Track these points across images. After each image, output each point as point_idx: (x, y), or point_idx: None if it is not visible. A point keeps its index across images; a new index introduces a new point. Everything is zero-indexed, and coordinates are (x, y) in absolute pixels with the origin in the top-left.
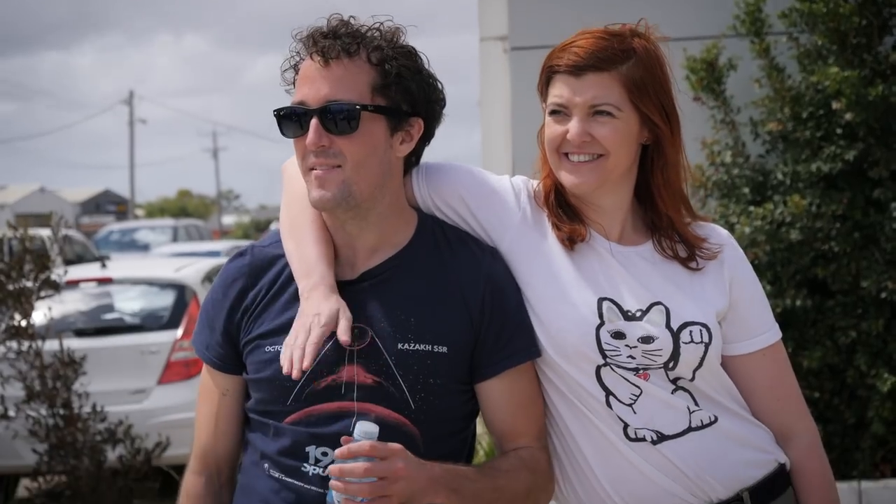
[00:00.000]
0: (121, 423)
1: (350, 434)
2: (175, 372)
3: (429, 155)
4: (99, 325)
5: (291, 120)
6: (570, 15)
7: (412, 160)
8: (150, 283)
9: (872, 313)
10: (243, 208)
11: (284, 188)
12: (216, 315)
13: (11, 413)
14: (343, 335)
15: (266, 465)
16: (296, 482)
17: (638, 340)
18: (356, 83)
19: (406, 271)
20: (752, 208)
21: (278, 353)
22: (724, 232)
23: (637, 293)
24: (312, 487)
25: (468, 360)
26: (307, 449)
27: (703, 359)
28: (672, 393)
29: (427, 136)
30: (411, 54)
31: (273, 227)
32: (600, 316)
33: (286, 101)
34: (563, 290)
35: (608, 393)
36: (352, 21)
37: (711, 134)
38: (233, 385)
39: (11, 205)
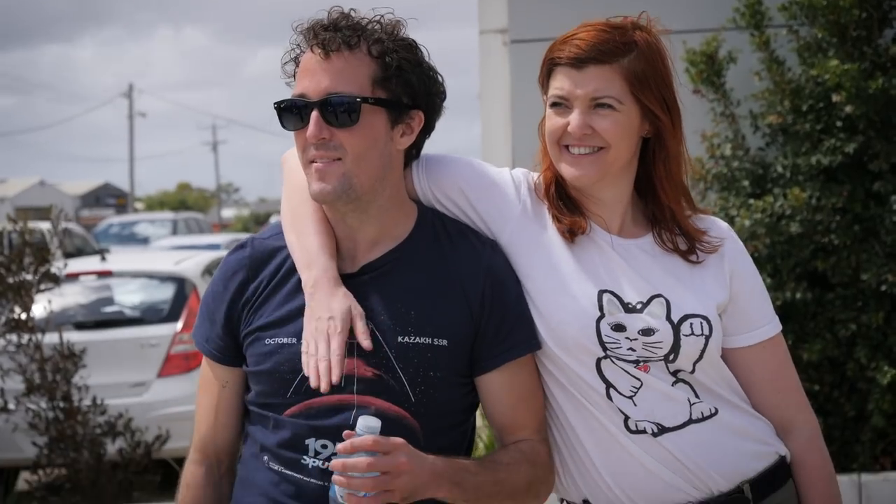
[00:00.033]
0: (121, 416)
1: (350, 427)
2: (175, 365)
3: (429, 148)
4: (99, 318)
5: (292, 112)
6: (569, 8)
7: (412, 153)
8: (149, 276)
9: (872, 306)
10: (243, 201)
11: (285, 180)
12: (216, 307)
13: (11, 406)
14: (365, 341)
15: (265, 458)
16: (295, 474)
17: (638, 333)
18: (357, 76)
19: (406, 264)
20: (751, 201)
21: (279, 345)
22: (725, 225)
23: (637, 285)
24: (312, 480)
25: (468, 353)
26: (307, 441)
27: (703, 351)
28: (672, 385)
29: (427, 129)
30: (412, 47)
31: (273, 220)
32: (600, 308)
33: (286, 94)
34: (564, 282)
35: (608, 385)
36: (352, 13)
37: (711, 127)
38: (232, 377)
39: (11, 198)
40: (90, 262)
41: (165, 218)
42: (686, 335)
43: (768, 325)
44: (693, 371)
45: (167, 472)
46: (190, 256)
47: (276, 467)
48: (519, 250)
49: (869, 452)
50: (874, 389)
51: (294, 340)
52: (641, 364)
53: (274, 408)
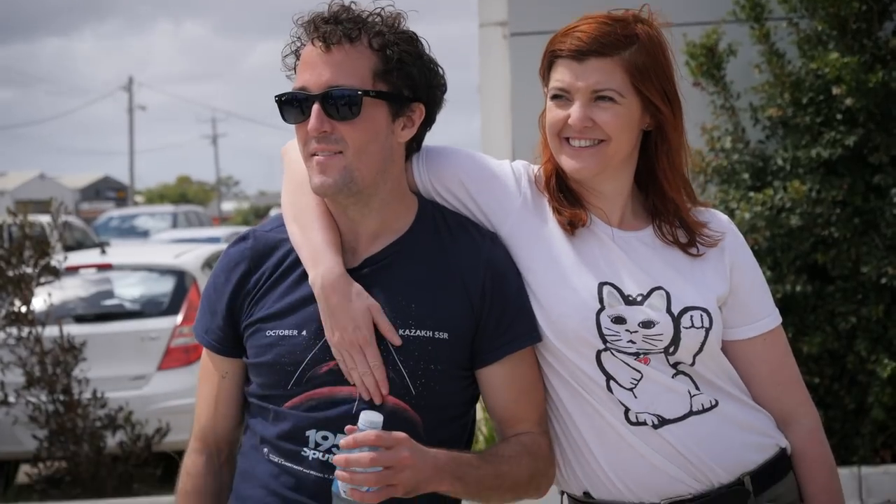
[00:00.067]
0: (121, 410)
1: (352, 419)
2: (175, 358)
3: (428, 141)
4: (99, 312)
5: (293, 106)
6: (569, 1)
7: (413, 145)
8: (149, 269)
9: (872, 299)
10: (243, 194)
11: (285, 172)
12: (218, 299)
13: (11, 399)
14: (395, 340)
15: (266, 450)
16: (295, 466)
17: (638, 325)
18: (358, 69)
19: (407, 257)
20: (751, 194)
21: (280, 336)
22: (725, 217)
23: (638, 278)
24: (312, 472)
25: (469, 345)
26: (307, 433)
27: (703, 343)
28: (673, 377)
29: (428, 122)
30: (412, 39)
31: (273, 212)
32: (601, 301)
33: (286, 87)
34: (564, 274)
35: (609, 377)
36: (353, 6)
37: (711, 119)
38: (232, 368)
39: (11, 191)
40: (90, 256)
41: (165, 211)
42: (686, 327)
43: (768, 318)
44: (693, 363)
45: (167, 465)
46: (190, 250)
47: (276, 459)
48: (519, 243)
49: (869, 445)
50: (874, 382)
51: (295, 332)
52: (642, 356)
53: (274, 399)
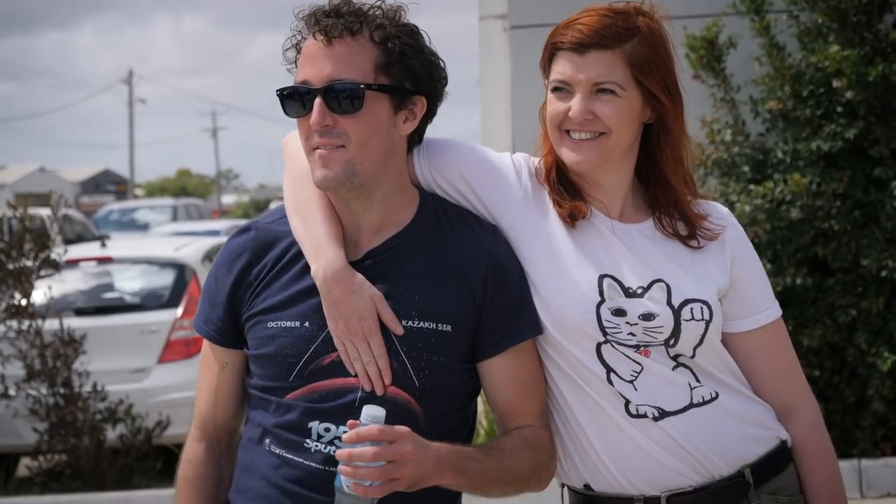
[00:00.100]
0: (121, 403)
1: (355, 411)
2: (175, 351)
3: (429, 134)
4: (99, 305)
5: (295, 99)
6: None
7: (414, 138)
8: (149, 262)
9: (873, 292)
10: (243, 188)
11: (286, 164)
12: (219, 290)
13: (12, 392)
14: (398, 329)
15: (267, 441)
16: (297, 458)
17: (639, 317)
18: (359, 62)
19: (409, 250)
20: (752, 187)
21: (281, 328)
22: (725, 210)
23: (638, 270)
24: (313, 464)
25: (470, 338)
26: (310, 424)
27: (703, 336)
28: (673, 370)
29: (430, 114)
30: (414, 32)
31: (273, 206)
32: (601, 293)
33: (286, 81)
34: (564, 267)
35: (609, 370)
36: None
37: (711, 112)
38: (232, 358)
39: (11, 184)
40: (90, 249)
41: (165, 204)
42: (686, 320)
43: (769, 310)
44: (693, 356)
45: (167, 459)
46: (190, 243)
47: (277, 451)
48: (520, 235)
49: (869, 438)
50: (874, 375)
51: (297, 324)
52: (642, 349)
53: (276, 391)
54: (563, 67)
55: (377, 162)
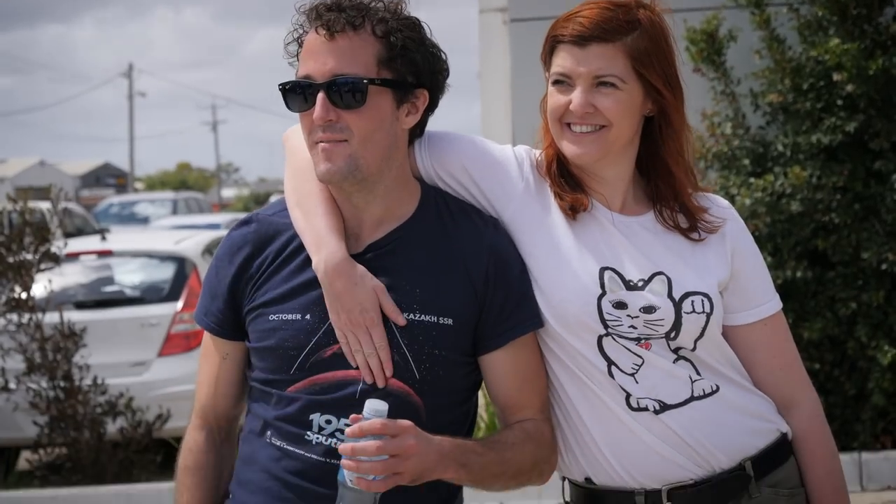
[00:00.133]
0: (121, 396)
1: (356, 404)
2: (175, 344)
3: (428, 128)
4: (99, 298)
5: (297, 94)
6: None
7: (416, 131)
8: (150, 255)
9: (873, 285)
10: (243, 181)
11: (287, 158)
12: (220, 282)
13: (12, 385)
14: (400, 320)
15: (268, 433)
16: (298, 450)
17: (640, 310)
18: (362, 56)
19: (410, 243)
20: (752, 180)
21: (283, 321)
22: (726, 203)
23: (639, 263)
24: (314, 456)
25: (472, 332)
26: (311, 417)
27: (704, 329)
28: (674, 363)
29: (431, 107)
30: (416, 25)
31: (273, 199)
32: (602, 286)
33: (286, 75)
34: (565, 260)
35: (610, 363)
36: None
37: (711, 105)
38: (233, 350)
39: (11, 178)
40: (90, 242)
41: (165, 198)
42: (687, 313)
43: (769, 303)
44: (694, 348)
45: (167, 452)
46: (190, 236)
47: (278, 443)
48: (521, 228)
49: (869, 431)
50: (875, 368)
51: (299, 316)
52: (643, 341)
53: (277, 384)
54: (563, 60)
55: (380, 156)
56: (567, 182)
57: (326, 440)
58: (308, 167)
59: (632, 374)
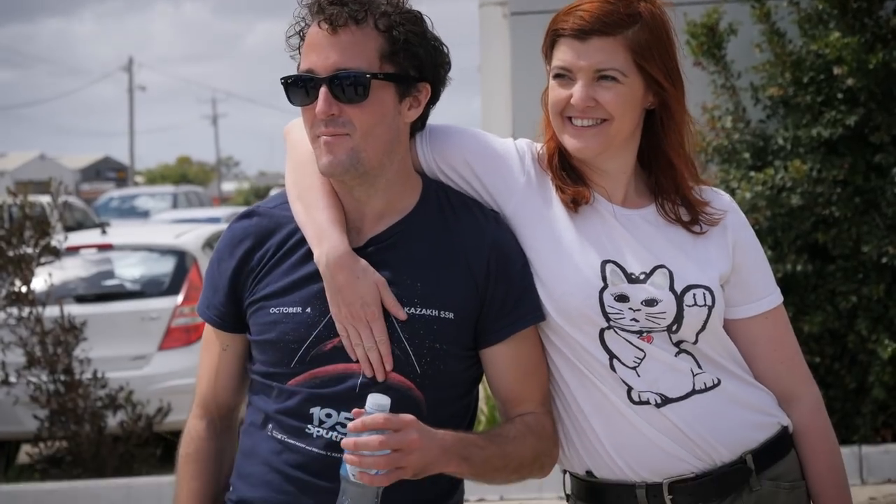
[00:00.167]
0: (121, 390)
1: (356, 397)
2: (175, 338)
3: (429, 121)
4: (99, 292)
5: (299, 88)
6: None
7: (418, 124)
8: (150, 249)
9: (873, 278)
10: (243, 175)
11: (288, 152)
12: (221, 274)
13: (12, 379)
14: (401, 314)
15: (269, 426)
16: (299, 443)
17: (641, 303)
18: (365, 50)
19: (411, 237)
20: (752, 173)
21: (283, 314)
22: (727, 196)
23: (640, 256)
24: (315, 449)
25: (473, 326)
26: (311, 410)
27: (706, 322)
28: (675, 356)
29: (433, 100)
30: (418, 19)
31: (273, 193)
32: (604, 279)
33: (286, 69)
34: (567, 253)
35: (612, 356)
36: None
37: (712, 99)
38: (233, 342)
39: (11, 172)
40: (90, 236)
41: (166, 191)
42: (689, 305)
43: (770, 297)
44: (696, 342)
45: (168, 446)
46: (190, 230)
47: (279, 436)
48: (523, 221)
49: (870, 424)
50: (875, 362)
51: (299, 309)
52: (645, 335)
53: (278, 377)
54: (564, 54)
55: (382, 150)
56: (569, 175)
57: (327, 433)
58: (309, 161)
59: (633, 368)
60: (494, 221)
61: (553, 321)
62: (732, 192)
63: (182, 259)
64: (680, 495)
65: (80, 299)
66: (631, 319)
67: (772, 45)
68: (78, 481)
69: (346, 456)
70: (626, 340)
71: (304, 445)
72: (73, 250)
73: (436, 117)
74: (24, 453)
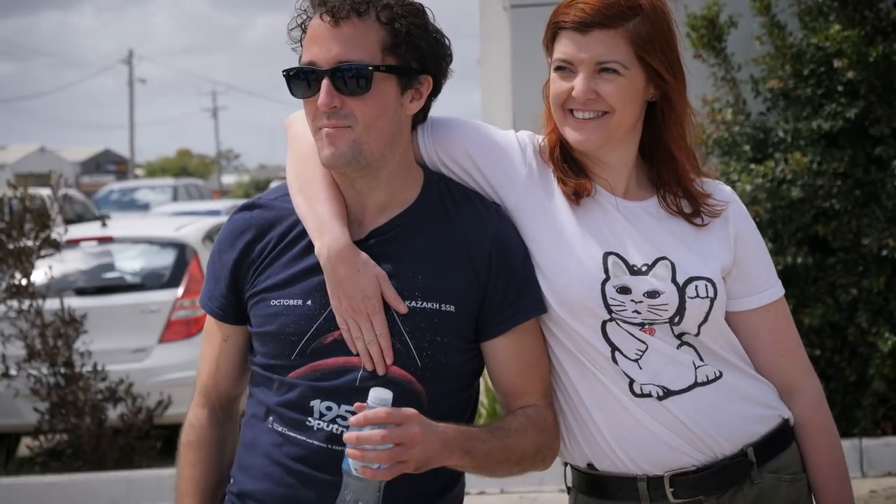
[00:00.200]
0: (121, 382)
1: (356, 390)
2: (175, 331)
3: (430, 114)
4: (99, 284)
5: (301, 80)
6: None
7: (419, 117)
8: (150, 241)
9: (873, 271)
10: (243, 168)
11: (290, 144)
12: (222, 266)
13: (13, 372)
14: (401, 308)
15: (270, 419)
16: (299, 436)
17: (643, 295)
18: (367, 43)
19: (413, 229)
20: (752, 166)
21: (284, 306)
22: (728, 189)
23: (642, 248)
24: (315, 442)
25: (474, 318)
26: (312, 403)
27: (708, 314)
28: (677, 348)
29: (435, 93)
30: (419, 12)
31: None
32: (606, 271)
33: (286, 61)
34: (569, 245)
35: (614, 348)
36: None
37: (712, 91)
38: (234, 333)
39: (11, 164)
40: (91, 228)
41: (166, 184)
42: (691, 297)
43: (772, 289)
44: (698, 334)
45: (168, 438)
46: (190, 222)
47: (280, 429)
48: (525, 214)
49: (870, 417)
50: (875, 354)
51: (300, 302)
52: (647, 327)
53: (279, 369)
54: (565, 47)
55: (384, 142)
56: (570, 167)
57: (328, 426)
58: (311, 153)
59: (635, 360)
60: (496, 214)
61: (555, 313)
62: (733, 185)
63: (182, 252)
64: (681, 488)
65: (81, 292)
66: (633, 311)
67: (772, 37)
68: (78, 474)
69: (348, 450)
70: (628, 333)
71: (304, 438)
72: (74, 243)
73: (435, 110)
74: (25, 446)
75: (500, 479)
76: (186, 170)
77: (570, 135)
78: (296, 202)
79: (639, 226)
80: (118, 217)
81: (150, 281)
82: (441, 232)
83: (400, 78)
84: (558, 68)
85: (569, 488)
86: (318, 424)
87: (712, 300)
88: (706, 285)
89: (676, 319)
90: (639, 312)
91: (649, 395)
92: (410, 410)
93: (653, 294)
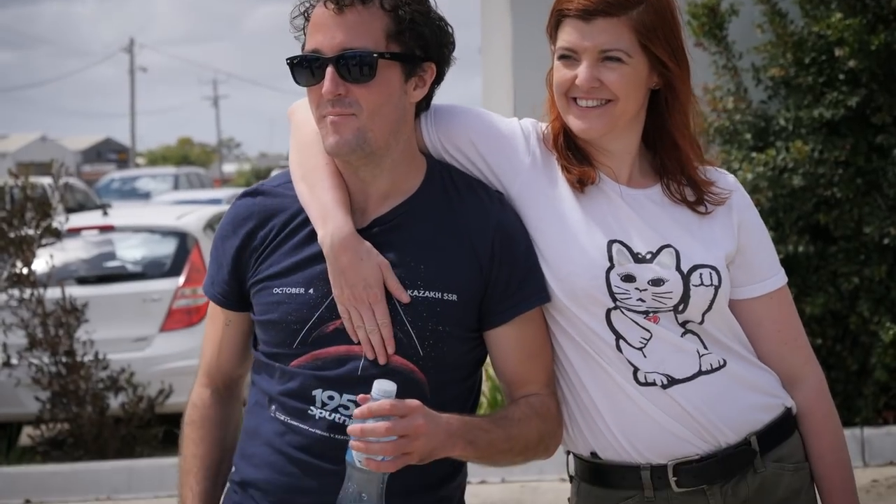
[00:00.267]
0: (123, 371)
1: (358, 380)
2: (177, 320)
3: (434, 102)
4: (101, 273)
5: (305, 68)
6: None
7: (422, 105)
8: (151, 230)
9: (875, 259)
10: (244, 156)
11: (293, 132)
12: (224, 252)
13: (14, 361)
14: (404, 297)
15: (272, 407)
16: (301, 425)
17: (648, 283)
18: (371, 30)
19: (416, 218)
20: (754, 154)
21: (287, 294)
22: (732, 177)
23: (647, 236)
24: (317, 431)
25: (477, 307)
26: (313, 392)
27: (712, 302)
28: (682, 336)
29: (438, 80)
30: None
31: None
32: (610, 259)
33: (288, 50)
34: (573, 233)
35: (618, 336)
36: None
37: (713, 80)
38: (236, 318)
39: (13, 153)
40: (92, 217)
41: (167, 173)
42: (696, 285)
43: (775, 277)
44: (702, 322)
45: (169, 427)
46: (191, 211)
47: (282, 417)
48: (528, 202)
49: (872, 406)
50: (877, 343)
51: (302, 290)
52: (651, 315)
53: (280, 358)
54: (569, 35)
55: (388, 130)
56: (574, 155)
57: (330, 415)
58: (314, 141)
59: (640, 349)
60: (499, 203)
61: (559, 302)
62: (734, 173)
63: (183, 240)
64: (685, 477)
65: (82, 281)
66: (637, 299)
67: (773, 25)
68: (79, 463)
69: (352, 443)
70: (633, 321)
71: (306, 427)
72: (75, 232)
73: (435, 99)
74: (26, 435)
75: (501, 468)
76: (187, 158)
77: (574, 123)
78: (299, 190)
79: (643, 214)
80: (119, 206)
81: (151, 270)
82: (444, 221)
83: (404, 65)
84: (562, 56)
85: (571, 477)
86: (321, 413)
87: (716, 288)
88: (710, 273)
89: (681, 307)
90: (643, 300)
91: (653, 384)
92: (414, 402)
93: (657, 282)
